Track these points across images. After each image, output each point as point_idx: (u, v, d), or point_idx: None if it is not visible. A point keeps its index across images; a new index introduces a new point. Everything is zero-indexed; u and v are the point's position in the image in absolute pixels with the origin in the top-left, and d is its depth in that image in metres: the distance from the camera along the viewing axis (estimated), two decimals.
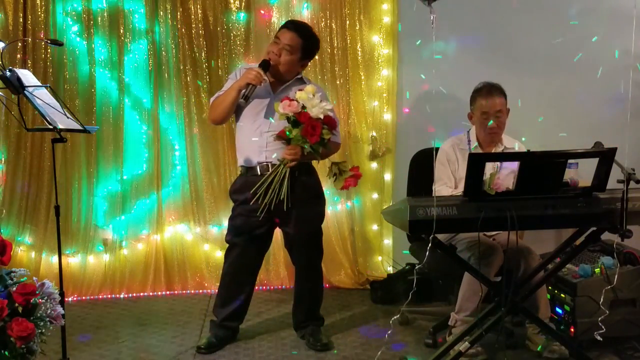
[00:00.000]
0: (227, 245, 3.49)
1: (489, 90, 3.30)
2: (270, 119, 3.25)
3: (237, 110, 3.32)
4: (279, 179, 3.17)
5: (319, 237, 3.49)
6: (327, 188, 4.42)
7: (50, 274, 4.17)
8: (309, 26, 3.45)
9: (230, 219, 3.45)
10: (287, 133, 3.10)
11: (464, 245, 3.15)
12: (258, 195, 3.18)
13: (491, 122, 3.27)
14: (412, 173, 3.69)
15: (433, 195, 3.26)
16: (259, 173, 3.26)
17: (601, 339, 2.89)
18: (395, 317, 3.13)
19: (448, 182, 3.34)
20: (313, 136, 3.06)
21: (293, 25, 3.33)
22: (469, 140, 3.39)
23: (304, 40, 3.27)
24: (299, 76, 3.38)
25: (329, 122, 3.13)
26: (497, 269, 3.14)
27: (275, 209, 3.20)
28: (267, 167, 3.25)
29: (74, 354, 3.32)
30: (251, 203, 3.23)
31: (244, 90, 3.17)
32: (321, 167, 3.56)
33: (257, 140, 3.25)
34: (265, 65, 3.23)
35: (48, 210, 4.27)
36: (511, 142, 3.39)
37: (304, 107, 3.07)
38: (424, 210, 2.59)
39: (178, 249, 4.47)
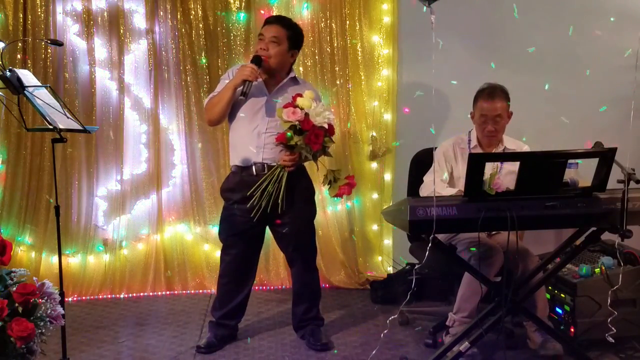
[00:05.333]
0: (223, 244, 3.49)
1: (491, 93, 3.27)
2: (269, 118, 3.24)
3: (231, 110, 3.32)
4: (275, 181, 3.17)
5: (313, 236, 3.50)
6: (327, 189, 4.45)
7: (50, 274, 4.18)
8: (289, 18, 3.49)
9: (224, 218, 3.44)
10: (289, 136, 3.10)
11: (464, 246, 3.15)
12: (254, 197, 3.17)
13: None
14: (412, 173, 3.69)
15: (425, 188, 3.28)
16: (254, 173, 3.26)
17: (613, 340, 2.86)
18: (393, 317, 3.13)
19: (442, 176, 3.34)
20: (316, 144, 3.09)
21: (274, 19, 3.38)
22: (469, 140, 3.40)
23: (288, 29, 3.31)
24: (292, 75, 3.38)
25: (330, 130, 3.16)
26: (497, 269, 3.14)
27: (271, 210, 3.19)
28: (263, 168, 3.26)
29: (74, 354, 3.32)
30: (248, 205, 3.21)
31: (241, 88, 3.17)
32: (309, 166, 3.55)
33: (255, 141, 3.25)
34: (257, 60, 3.23)
35: (48, 210, 4.27)
36: (512, 143, 3.38)
37: (306, 113, 3.08)
38: (424, 210, 2.59)
39: (178, 249, 4.47)
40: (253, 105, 3.29)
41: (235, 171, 3.36)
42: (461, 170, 3.31)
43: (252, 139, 3.26)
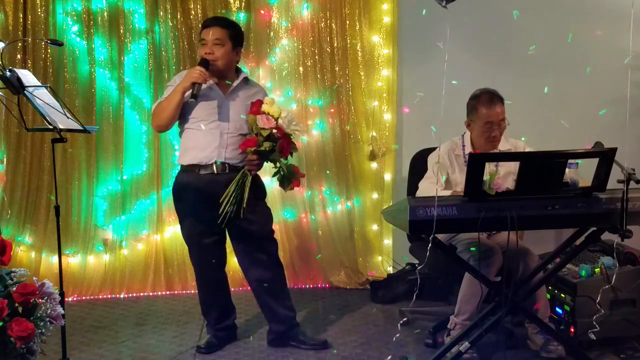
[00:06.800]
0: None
1: (491, 99, 3.21)
2: (243, 116, 3.24)
3: (182, 113, 3.27)
4: (240, 186, 3.17)
5: (272, 233, 3.45)
6: (326, 189, 4.46)
7: (50, 274, 4.18)
8: (226, 17, 3.52)
9: (182, 219, 3.40)
10: (260, 141, 3.10)
11: (464, 246, 3.15)
12: (224, 202, 3.15)
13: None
14: (412, 173, 3.68)
15: (420, 194, 3.27)
16: (215, 172, 3.24)
17: (594, 338, 2.90)
18: (404, 319, 3.10)
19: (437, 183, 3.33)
20: (287, 151, 3.15)
21: (212, 21, 3.35)
22: (464, 145, 3.37)
23: (228, 29, 3.28)
24: (243, 75, 3.37)
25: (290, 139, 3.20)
26: (496, 270, 3.13)
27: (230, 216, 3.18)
28: (224, 167, 3.23)
29: (74, 354, 3.32)
30: (210, 206, 3.17)
31: (190, 91, 3.15)
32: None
33: (217, 140, 3.22)
34: (205, 63, 3.20)
35: (48, 210, 4.27)
36: (505, 144, 3.34)
37: (276, 120, 3.10)
38: (424, 210, 2.59)
39: (178, 249, 4.47)
40: (208, 107, 3.25)
41: (188, 170, 3.29)
42: (458, 176, 3.29)
43: (214, 139, 3.22)
